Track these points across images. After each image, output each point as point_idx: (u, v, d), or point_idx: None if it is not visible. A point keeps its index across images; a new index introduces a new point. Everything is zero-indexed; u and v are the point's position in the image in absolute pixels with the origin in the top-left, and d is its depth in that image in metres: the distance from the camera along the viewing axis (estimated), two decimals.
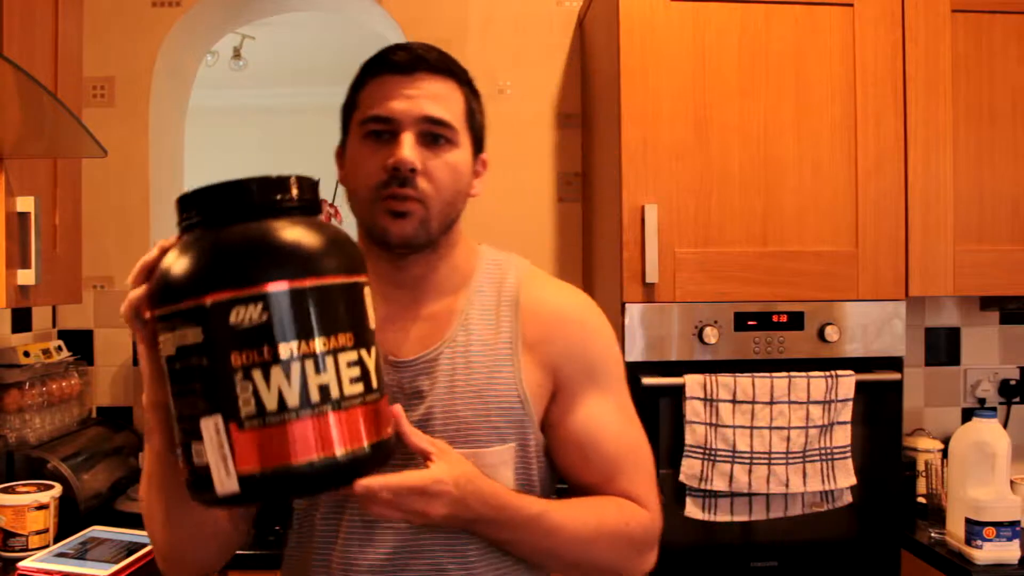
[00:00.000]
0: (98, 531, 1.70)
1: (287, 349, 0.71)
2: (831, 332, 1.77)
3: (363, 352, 0.77)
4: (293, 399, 0.71)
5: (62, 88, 1.58)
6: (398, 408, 0.87)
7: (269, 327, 0.71)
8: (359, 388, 0.75)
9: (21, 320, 2.12)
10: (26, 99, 1.17)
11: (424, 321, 1.03)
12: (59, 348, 2.10)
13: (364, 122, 1.00)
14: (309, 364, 0.72)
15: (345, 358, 0.75)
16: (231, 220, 0.75)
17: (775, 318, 1.77)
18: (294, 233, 0.76)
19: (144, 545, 1.63)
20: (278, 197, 0.77)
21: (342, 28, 3.83)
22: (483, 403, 0.99)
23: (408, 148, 0.95)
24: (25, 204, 1.45)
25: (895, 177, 1.82)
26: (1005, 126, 1.86)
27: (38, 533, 1.62)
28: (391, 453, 0.81)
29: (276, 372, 0.71)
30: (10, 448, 1.84)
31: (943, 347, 2.26)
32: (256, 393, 0.71)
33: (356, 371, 0.75)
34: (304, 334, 0.72)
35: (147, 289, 0.80)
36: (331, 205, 2.47)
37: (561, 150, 2.32)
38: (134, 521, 1.87)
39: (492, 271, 1.07)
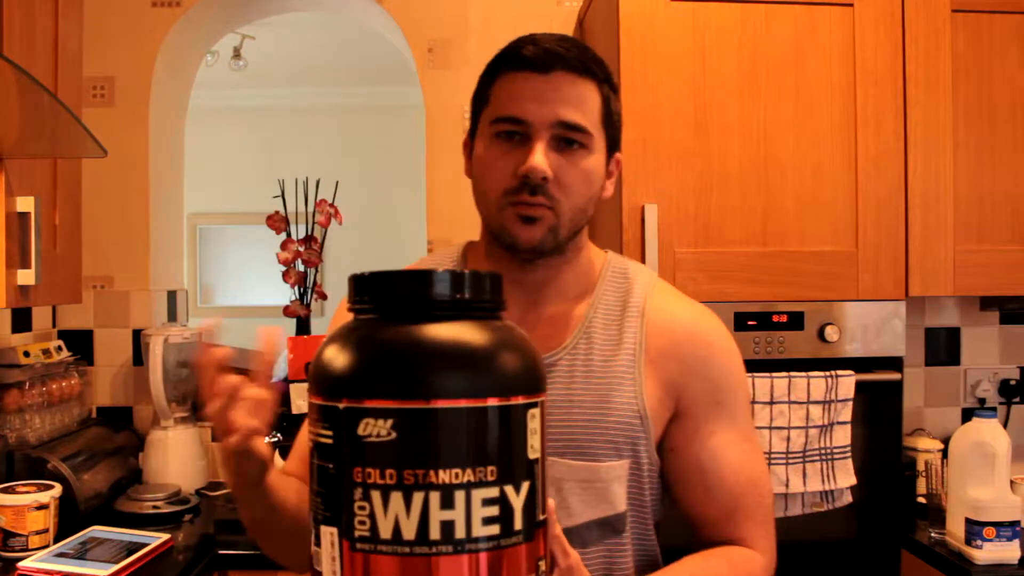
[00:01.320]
0: (98, 531, 1.70)
1: (412, 475, 0.63)
2: (831, 332, 1.77)
3: (508, 488, 0.66)
4: (409, 532, 0.63)
5: (62, 88, 1.58)
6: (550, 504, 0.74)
7: (396, 447, 0.63)
8: (493, 530, 0.65)
9: (21, 320, 2.12)
10: (26, 99, 1.17)
11: (543, 324, 1.00)
12: (59, 348, 2.10)
13: (495, 121, 0.95)
14: (434, 496, 0.63)
15: (481, 494, 0.64)
16: (390, 317, 0.68)
17: (775, 318, 1.77)
18: (451, 344, 0.67)
19: (144, 545, 1.63)
20: (450, 298, 0.69)
21: (342, 28, 3.83)
22: (602, 415, 0.96)
23: (540, 156, 0.91)
24: (25, 204, 1.45)
25: (895, 177, 1.82)
26: (1005, 126, 1.86)
27: (38, 533, 1.62)
28: None
29: (395, 499, 0.63)
30: (10, 448, 1.84)
31: (943, 347, 2.26)
32: (372, 516, 0.64)
33: (493, 510, 0.65)
34: (434, 462, 0.63)
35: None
36: (331, 205, 2.47)
37: None
38: (134, 521, 1.88)
39: (619, 279, 1.04)
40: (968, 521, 1.66)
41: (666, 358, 0.99)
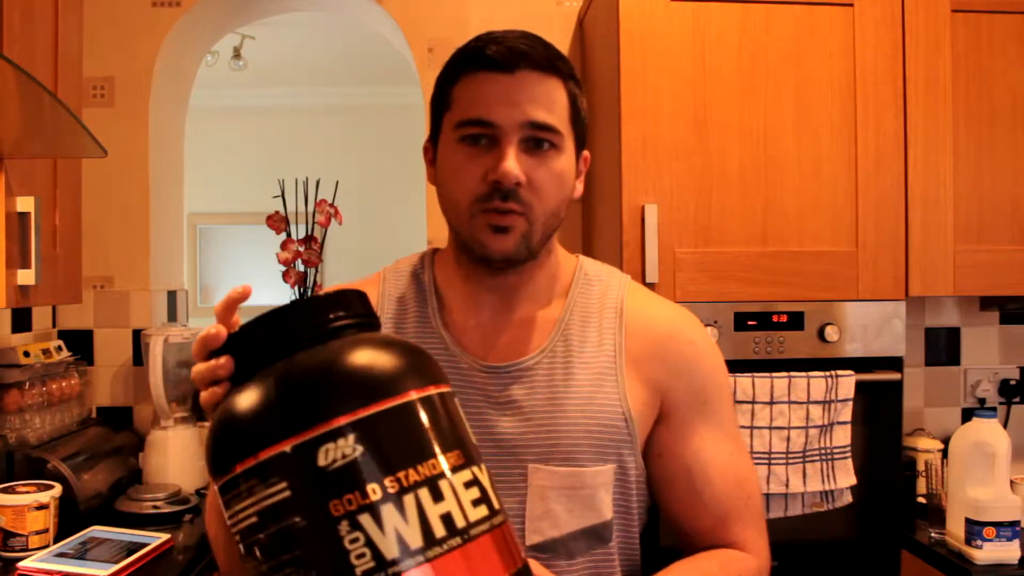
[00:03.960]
0: (98, 531, 1.70)
1: (394, 481, 0.59)
2: (831, 332, 1.77)
3: (476, 470, 0.64)
4: (416, 539, 0.58)
5: (62, 88, 1.58)
6: None
7: (368, 460, 0.58)
8: (483, 511, 0.62)
9: (21, 320, 2.12)
10: (26, 99, 1.17)
11: (518, 328, 0.97)
12: (59, 348, 2.10)
13: (461, 124, 0.91)
14: (424, 493, 0.59)
15: (461, 479, 0.62)
16: (295, 349, 0.64)
17: (775, 318, 1.77)
18: (371, 349, 0.64)
19: (144, 545, 1.63)
20: (340, 315, 0.66)
21: (342, 28, 3.83)
22: (585, 417, 0.93)
23: (512, 160, 0.88)
24: (25, 204, 1.45)
25: (895, 177, 1.82)
26: (1005, 126, 1.86)
27: (38, 533, 1.62)
28: None
29: (388, 511, 0.58)
30: (10, 448, 1.84)
31: (943, 347, 2.26)
32: (370, 543, 0.57)
33: (475, 492, 0.62)
34: (411, 459, 0.60)
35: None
36: (331, 205, 2.47)
37: None
38: (134, 521, 1.88)
39: (593, 282, 1.02)
40: (968, 521, 1.66)
41: (648, 358, 0.97)
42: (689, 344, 0.99)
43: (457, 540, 0.59)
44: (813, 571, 1.82)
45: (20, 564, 1.51)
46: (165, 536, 1.70)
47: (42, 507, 1.63)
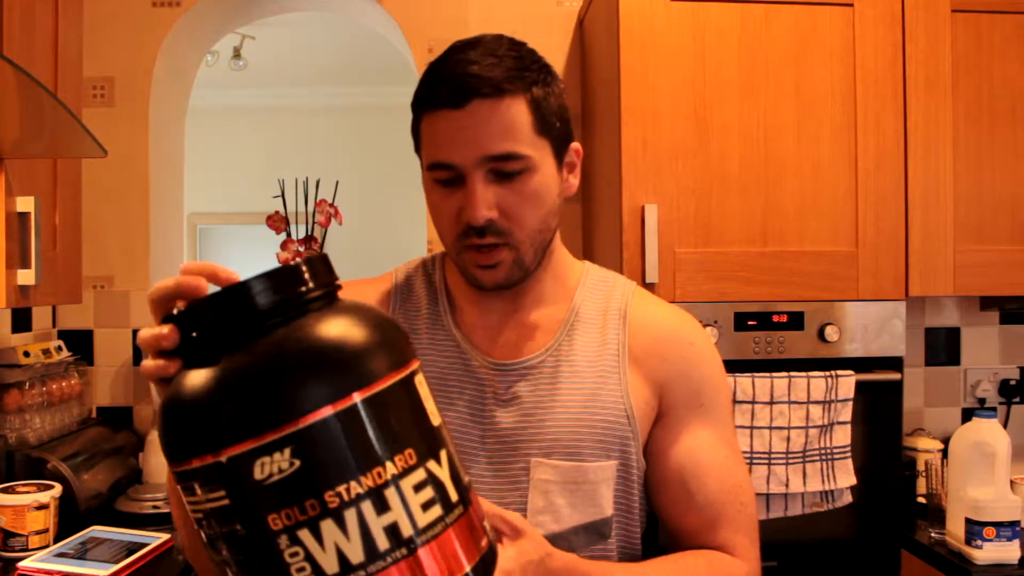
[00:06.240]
0: (98, 531, 1.70)
1: (335, 496, 0.56)
2: (831, 332, 1.77)
3: (431, 465, 0.61)
4: (357, 555, 0.56)
5: (62, 88, 1.58)
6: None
7: (306, 474, 0.56)
8: (436, 512, 0.60)
9: (21, 320, 2.12)
10: (26, 99, 1.17)
11: (524, 327, 1.00)
12: (59, 348, 2.10)
13: (429, 168, 0.93)
14: (367, 506, 0.57)
15: (411, 482, 0.59)
16: (230, 343, 0.60)
17: (775, 318, 1.77)
18: (311, 344, 0.59)
19: (144, 545, 1.63)
20: (279, 299, 0.60)
21: (342, 28, 3.84)
22: (589, 413, 0.94)
23: (478, 201, 0.88)
24: (25, 204, 1.45)
25: (895, 177, 1.82)
26: (1005, 126, 1.87)
27: (38, 533, 1.62)
28: (491, 567, 0.66)
29: (328, 527, 0.56)
30: (10, 448, 1.84)
31: (943, 347, 2.26)
32: (310, 558, 0.56)
33: (428, 492, 0.60)
34: (353, 471, 0.57)
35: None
36: (331, 205, 2.47)
37: None
38: (134, 521, 1.88)
39: (598, 285, 1.04)
40: (968, 521, 1.66)
41: (649, 356, 0.99)
42: (689, 346, 1.01)
43: (403, 551, 0.58)
44: (813, 571, 1.82)
45: (20, 564, 1.51)
46: (165, 536, 1.70)
47: (42, 507, 1.63)
